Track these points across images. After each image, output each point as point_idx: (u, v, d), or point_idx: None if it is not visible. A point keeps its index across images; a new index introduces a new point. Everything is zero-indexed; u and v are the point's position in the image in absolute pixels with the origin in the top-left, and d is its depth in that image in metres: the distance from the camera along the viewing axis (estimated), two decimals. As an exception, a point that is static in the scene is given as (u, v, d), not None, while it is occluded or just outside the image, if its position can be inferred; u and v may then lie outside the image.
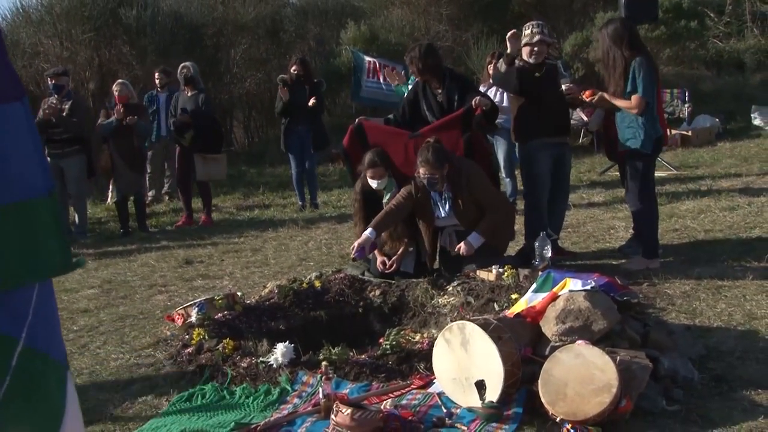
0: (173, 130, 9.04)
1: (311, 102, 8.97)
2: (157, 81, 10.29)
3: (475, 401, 3.41)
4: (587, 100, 5.62)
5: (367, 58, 12.86)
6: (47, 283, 1.51)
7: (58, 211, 1.54)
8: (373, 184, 5.42)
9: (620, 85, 5.32)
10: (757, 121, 12.39)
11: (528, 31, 5.76)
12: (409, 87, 8.05)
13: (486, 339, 3.36)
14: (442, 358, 3.62)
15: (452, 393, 3.56)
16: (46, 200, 1.47)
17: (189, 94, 9.08)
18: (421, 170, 5.06)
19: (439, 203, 5.24)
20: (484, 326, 3.43)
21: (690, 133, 12.01)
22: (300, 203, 9.73)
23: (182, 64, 9.38)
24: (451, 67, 6.22)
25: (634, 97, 5.26)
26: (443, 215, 5.25)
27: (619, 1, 7.69)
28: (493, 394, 3.33)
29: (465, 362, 3.47)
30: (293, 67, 9.29)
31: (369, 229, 5.10)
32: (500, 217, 5.26)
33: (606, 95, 5.46)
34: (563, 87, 5.70)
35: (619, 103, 5.37)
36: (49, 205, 1.48)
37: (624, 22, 5.58)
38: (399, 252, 5.39)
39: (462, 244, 5.13)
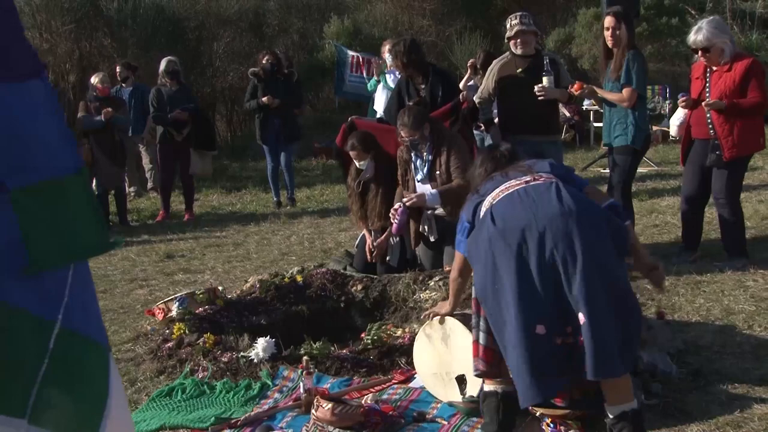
0: (169, 125, 8.90)
1: (265, 99, 8.79)
2: (118, 75, 10.20)
3: (455, 396, 3.43)
4: (576, 93, 5.53)
5: (351, 53, 12.87)
6: (84, 263, 1.48)
7: (90, 189, 1.51)
8: (357, 163, 5.49)
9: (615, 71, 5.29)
10: (736, 118, 12.48)
11: (508, 24, 5.74)
12: (385, 80, 8.07)
13: (466, 334, 3.37)
14: (423, 352, 3.63)
15: (433, 388, 3.57)
16: (75, 178, 1.44)
17: (174, 88, 9.00)
18: (402, 133, 5.13)
19: (418, 166, 5.25)
20: (464, 321, 3.44)
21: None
22: (275, 199, 9.56)
23: (168, 58, 9.32)
24: (434, 63, 6.25)
25: (627, 90, 5.21)
26: (420, 177, 5.24)
27: (601, -3, 7.74)
28: (473, 388, 3.34)
29: (446, 357, 3.48)
30: (265, 59, 9.16)
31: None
32: (465, 187, 5.14)
33: (597, 89, 5.45)
34: (536, 88, 5.45)
35: (609, 96, 5.33)
36: (79, 182, 1.45)
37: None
38: (381, 238, 5.43)
39: (413, 195, 5.16)
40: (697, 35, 5.13)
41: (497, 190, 3.02)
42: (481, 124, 6.35)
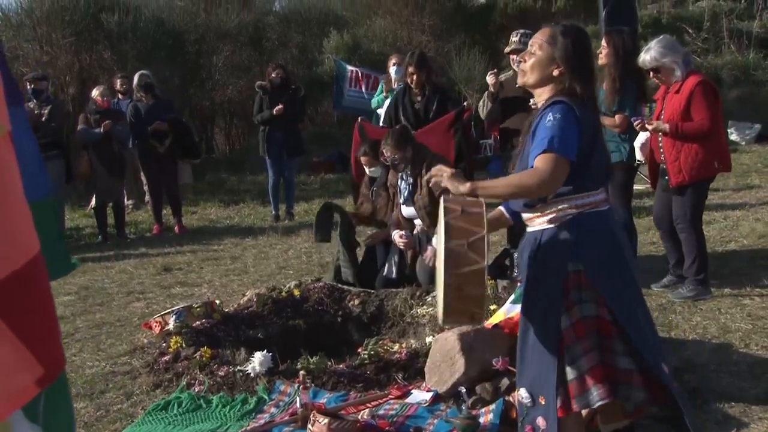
0: (149, 138, 8.95)
1: (276, 109, 8.92)
2: (119, 87, 10.24)
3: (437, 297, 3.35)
4: None
5: (350, 68, 12.91)
6: None
7: (57, 213, 1.56)
8: (367, 170, 5.77)
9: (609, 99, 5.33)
10: (733, 137, 12.54)
11: (510, 40, 5.85)
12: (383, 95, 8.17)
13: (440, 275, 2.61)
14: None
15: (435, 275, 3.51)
16: (50, 202, 1.51)
17: (150, 102, 9.04)
18: (385, 152, 5.26)
19: (402, 188, 5.36)
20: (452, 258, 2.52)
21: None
22: (273, 212, 9.60)
23: (140, 72, 9.40)
24: (435, 82, 6.42)
25: (619, 117, 5.27)
26: (403, 199, 5.34)
27: (599, 15, 7.80)
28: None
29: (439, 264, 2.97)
30: (275, 73, 9.26)
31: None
32: None
33: None
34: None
35: (602, 119, 5.36)
36: (52, 206, 1.52)
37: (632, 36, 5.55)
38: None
39: (405, 240, 5.28)
40: (645, 55, 5.00)
41: (598, 198, 2.69)
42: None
